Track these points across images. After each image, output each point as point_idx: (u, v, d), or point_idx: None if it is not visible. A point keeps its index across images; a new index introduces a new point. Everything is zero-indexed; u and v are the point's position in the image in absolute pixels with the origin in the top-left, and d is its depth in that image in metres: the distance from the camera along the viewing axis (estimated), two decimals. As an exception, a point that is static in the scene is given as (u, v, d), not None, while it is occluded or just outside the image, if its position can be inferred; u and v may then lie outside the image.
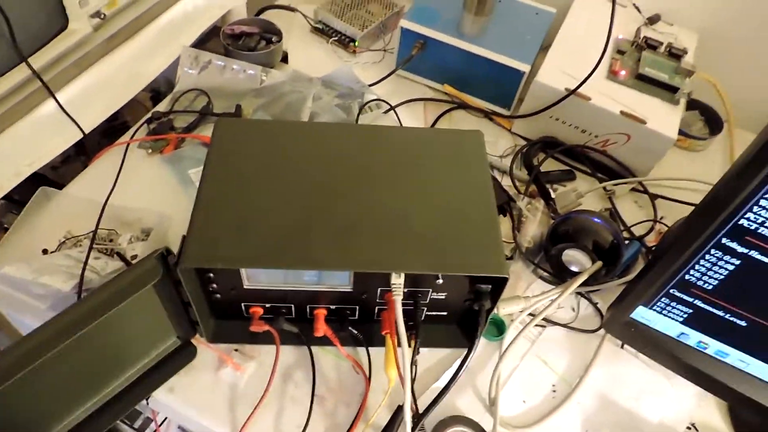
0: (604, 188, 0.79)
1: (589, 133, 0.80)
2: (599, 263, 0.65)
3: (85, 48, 0.72)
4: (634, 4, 0.90)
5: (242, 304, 0.59)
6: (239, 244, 0.51)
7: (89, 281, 0.59)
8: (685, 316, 0.55)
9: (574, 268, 0.67)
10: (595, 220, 0.68)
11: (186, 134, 0.77)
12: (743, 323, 0.52)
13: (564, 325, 0.67)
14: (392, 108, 0.84)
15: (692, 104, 0.89)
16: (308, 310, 0.60)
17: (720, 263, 0.49)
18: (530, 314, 0.67)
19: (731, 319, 0.52)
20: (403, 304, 0.58)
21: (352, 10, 0.95)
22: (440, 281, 0.54)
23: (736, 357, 0.56)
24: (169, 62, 0.82)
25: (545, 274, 0.70)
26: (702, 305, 0.53)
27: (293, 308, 0.60)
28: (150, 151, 0.77)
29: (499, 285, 0.54)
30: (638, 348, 0.62)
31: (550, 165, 0.83)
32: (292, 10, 0.96)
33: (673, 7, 0.90)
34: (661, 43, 0.84)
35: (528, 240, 0.73)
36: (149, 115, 0.80)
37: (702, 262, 0.50)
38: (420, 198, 0.57)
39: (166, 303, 0.55)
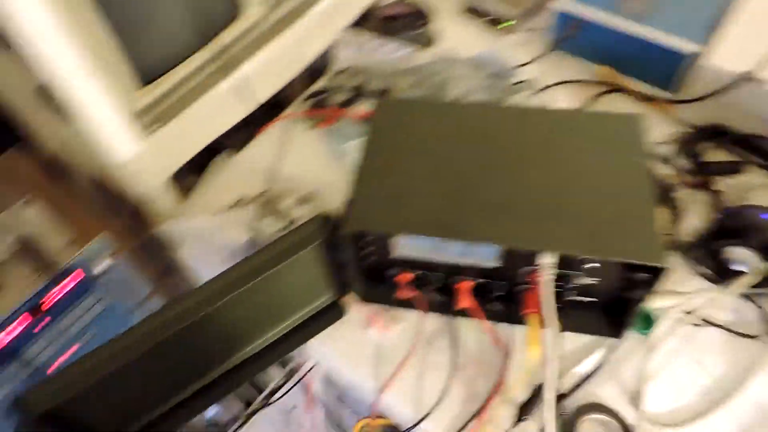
0: (782, 183, 0.72)
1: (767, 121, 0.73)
2: (772, 263, 0.59)
3: (257, 31, 0.79)
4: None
5: (393, 270, 0.63)
6: (397, 212, 0.54)
7: (258, 238, 0.66)
8: None
9: (737, 268, 0.62)
10: (766, 216, 0.62)
11: (342, 110, 0.82)
12: None
13: (724, 327, 0.63)
14: (542, 89, 0.83)
15: None
16: (453, 281, 0.62)
17: None
18: (685, 311, 0.63)
19: None
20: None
21: (505, -9, 0.94)
22: (593, 265, 0.53)
23: None
24: (329, 42, 0.87)
25: (705, 271, 0.66)
26: None
27: (439, 278, 0.62)
28: (310, 125, 0.83)
29: (656, 275, 0.52)
30: None
31: (715, 156, 0.76)
32: (446, -10, 0.97)
33: None
34: None
35: (687, 233, 0.68)
36: (309, 92, 0.86)
37: None
38: (573, 180, 0.56)
39: (324, 263, 0.59)
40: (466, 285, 0.61)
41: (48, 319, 0.71)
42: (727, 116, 0.75)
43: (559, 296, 0.58)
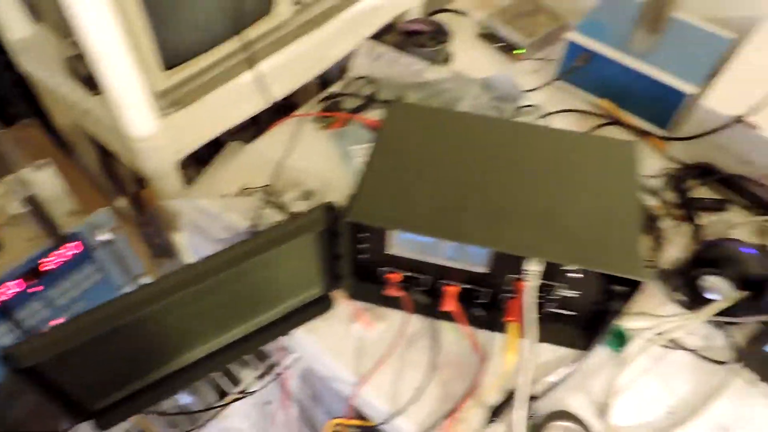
0: (765, 222, 0.76)
1: (753, 164, 0.77)
2: (745, 293, 0.63)
3: (283, 30, 0.83)
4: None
5: (382, 269, 0.66)
6: (397, 209, 0.58)
7: (258, 226, 0.69)
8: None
9: (711, 296, 0.66)
10: (746, 250, 0.66)
11: (353, 115, 0.86)
12: None
13: (693, 351, 0.66)
14: (546, 115, 0.87)
15: None
16: (440, 285, 0.65)
17: None
18: (657, 333, 0.67)
19: None
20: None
21: (521, 19, 0.99)
22: (576, 275, 0.57)
23: None
24: (350, 49, 0.92)
25: (681, 298, 0.69)
26: None
27: (427, 281, 0.65)
28: (320, 126, 0.87)
29: (633, 289, 0.55)
30: None
31: (701, 194, 0.80)
32: (463, 14, 1.02)
33: None
34: None
35: (667, 262, 0.72)
36: (325, 94, 0.90)
37: None
38: (568, 194, 0.60)
39: (320, 254, 0.63)
40: (452, 289, 0.64)
41: (42, 285, 0.73)
42: (716, 156, 0.79)
43: (539, 307, 0.61)
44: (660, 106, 0.83)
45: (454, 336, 0.67)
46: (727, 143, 0.78)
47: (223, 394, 0.97)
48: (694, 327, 0.68)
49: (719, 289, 0.65)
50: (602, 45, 0.84)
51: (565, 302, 0.62)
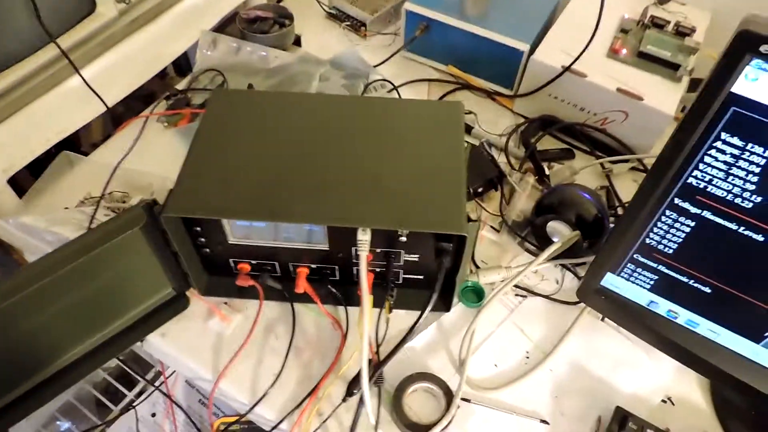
0: (602, 165, 0.79)
1: (588, 111, 0.80)
2: (576, 233, 0.65)
3: (110, 30, 0.79)
4: (644, -17, 0.88)
5: (231, 260, 0.64)
6: (220, 197, 0.56)
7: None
8: (652, 282, 0.55)
9: (557, 240, 0.68)
10: (581, 193, 0.68)
11: (198, 110, 0.83)
12: (708, 290, 0.52)
13: (544, 296, 0.68)
14: (395, 88, 0.87)
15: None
16: (292, 268, 0.64)
17: (676, 225, 0.49)
18: (513, 285, 0.68)
19: (696, 285, 0.52)
20: (378, 265, 0.62)
21: (365, -4, 0.99)
22: (404, 239, 0.57)
23: (705, 327, 0.55)
24: (190, 44, 0.88)
25: (531, 246, 0.71)
26: (666, 271, 0.53)
27: (278, 266, 0.64)
28: (166, 124, 0.83)
29: (461, 244, 0.56)
30: (612, 317, 0.63)
31: (549, 144, 0.83)
32: (308, -4, 1.01)
33: (687, -14, 0.88)
34: (669, 22, 0.83)
35: (517, 213, 0.74)
36: (169, 92, 0.86)
37: (659, 224, 0.50)
38: (394, 161, 0.59)
39: (157, 253, 0.60)
40: (302, 271, 0.63)
41: None
42: (556, 108, 0.82)
43: (389, 275, 0.61)
44: (502, 67, 0.85)
45: (316, 317, 0.66)
46: (563, 94, 0.81)
47: (104, 413, 0.93)
48: (547, 273, 0.70)
49: (560, 233, 0.68)
50: (438, 12, 0.85)
51: (410, 267, 0.62)
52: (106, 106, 0.80)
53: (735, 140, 0.42)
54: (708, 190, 0.45)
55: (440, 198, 0.56)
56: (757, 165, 0.42)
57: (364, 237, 0.55)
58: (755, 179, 0.43)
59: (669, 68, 0.78)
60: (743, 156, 0.42)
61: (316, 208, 0.55)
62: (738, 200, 0.44)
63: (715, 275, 0.50)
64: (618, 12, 0.85)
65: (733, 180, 0.44)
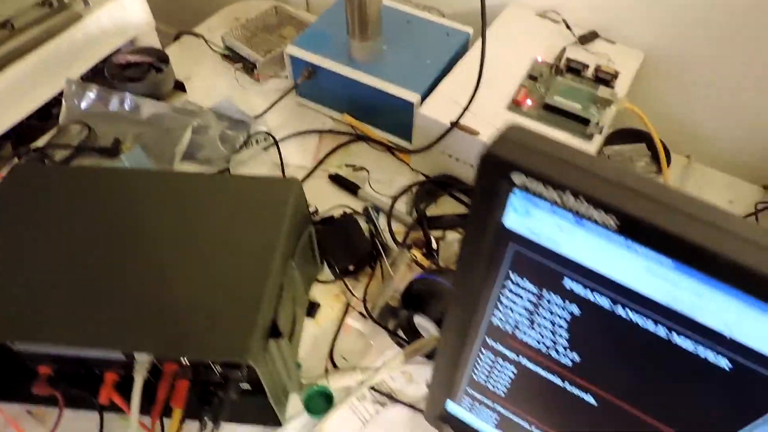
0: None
1: (485, 172, 0.69)
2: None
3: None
4: (564, 20, 0.77)
5: (27, 364, 0.54)
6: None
7: None
8: (496, 421, 0.44)
9: (427, 338, 0.57)
10: (449, 285, 0.57)
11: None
12: (554, 441, 0.40)
13: (406, 404, 0.57)
14: (276, 142, 0.77)
15: (640, 136, 0.75)
16: (95, 375, 0.54)
17: (498, 366, 0.38)
18: (373, 389, 0.58)
19: (539, 432, 0.41)
20: (194, 379, 0.52)
21: (262, 35, 0.89)
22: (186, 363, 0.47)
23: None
24: (54, 93, 0.80)
25: (403, 341, 0.60)
26: (504, 412, 0.42)
27: (80, 372, 0.54)
28: (17, 187, 0.74)
29: (246, 369, 0.46)
30: None
31: (450, 208, 0.72)
32: (199, 36, 0.91)
33: (616, 24, 0.76)
34: (587, 66, 0.71)
35: (389, 298, 0.63)
36: (28, 149, 0.77)
37: (479, 361, 0.39)
38: (194, 263, 0.50)
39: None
40: (109, 377, 0.54)
41: None
42: (453, 166, 0.71)
43: (211, 386, 0.51)
44: (397, 118, 0.75)
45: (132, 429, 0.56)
46: (457, 152, 0.70)
47: None
48: (417, 373, 0.59)
49: (426, 330, 0.57)
50: (321, 57, 0.75)
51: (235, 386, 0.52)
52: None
53: (527, 284, 0.30)
54: (517, 335, 0.34)
55: (232, 311, 0.46)
56: (560, 317, 0.31)
57: (141, 359, 0.46)
58: (565, 334, 0.31)
59: (579, 123, 0.66)
60: (542, 304, 0.31)
61: (90, 327, 0.46)
62: (554, 353, 0.33)
63: (557, 429, 0.39)
64: (532, 54, 0.74)
65: (541, 330, 0.32)
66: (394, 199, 0.71)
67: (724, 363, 0.25)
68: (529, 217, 0.27)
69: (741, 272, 0.22)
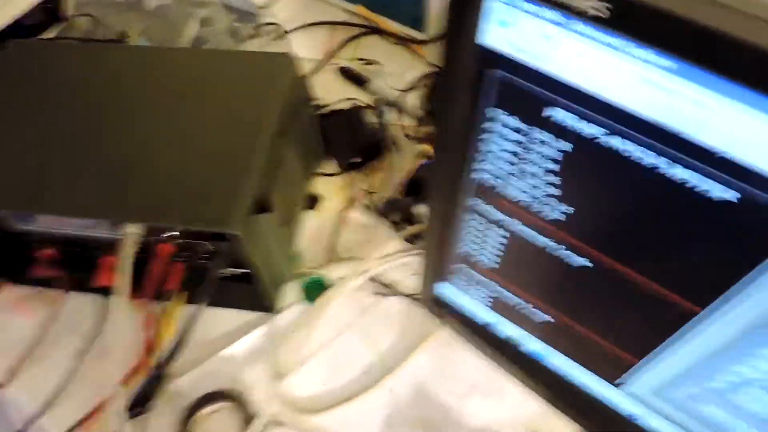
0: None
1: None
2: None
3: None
4: None
5: (29, 245, 0.55)
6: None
7: None
8: (490, 300, 0.41)
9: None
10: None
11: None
12: (549, 318, 0.38)
13: (406, 295, 0.55)
14: (286, 33, 0.73)
15: None
16: (96, 256, 0.54)
17: (487, 232, 0.35)
18: (373, 279, 0.56)
19: (534, 310, 0.38)
20: (182, 256, 0.51)
21: None
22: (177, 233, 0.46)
23: (553, 359, 0.41)
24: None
25: (403, 231, 0.58)
26: (499, 288, 0.39)
27: (81, 254, 0.54)
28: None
29: (232, 243, 0.44)
30: (458, 332, 0.49)
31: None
32: None
33: None
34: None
35: (394, 191, 0.60)
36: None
37: (468, 228, 0.36)
38: (186, 137, 0.48)
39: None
40: (108, 260, 0.53)
41: None
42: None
43: (205, 269, 0.50)
44: (409, 6, 0.69)
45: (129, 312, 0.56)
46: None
47: None
48: (417, 267, 0.57)
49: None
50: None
51: (233, 260, 0.51)
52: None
53: (512, 121, 0.27)
54: (505, 191, 0.31)
55: (221, 183, 0.44)
56: (550, 159, 0.27)
57: (132, 230, 0.45)
58: (556, 180, 0.28)
59: None
60: (530, 147, 0.27)
61: (84, 196, 0.45)
62: (546, 209, 0.30)
63: (551, 303, 0.37)
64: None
65: (529, 179, 0.29)
66: (405, 92, 0.67)
67: (731, 195, 0.22)
68: (508, 26, 0.23)
69: (759, 62, 0.18)
